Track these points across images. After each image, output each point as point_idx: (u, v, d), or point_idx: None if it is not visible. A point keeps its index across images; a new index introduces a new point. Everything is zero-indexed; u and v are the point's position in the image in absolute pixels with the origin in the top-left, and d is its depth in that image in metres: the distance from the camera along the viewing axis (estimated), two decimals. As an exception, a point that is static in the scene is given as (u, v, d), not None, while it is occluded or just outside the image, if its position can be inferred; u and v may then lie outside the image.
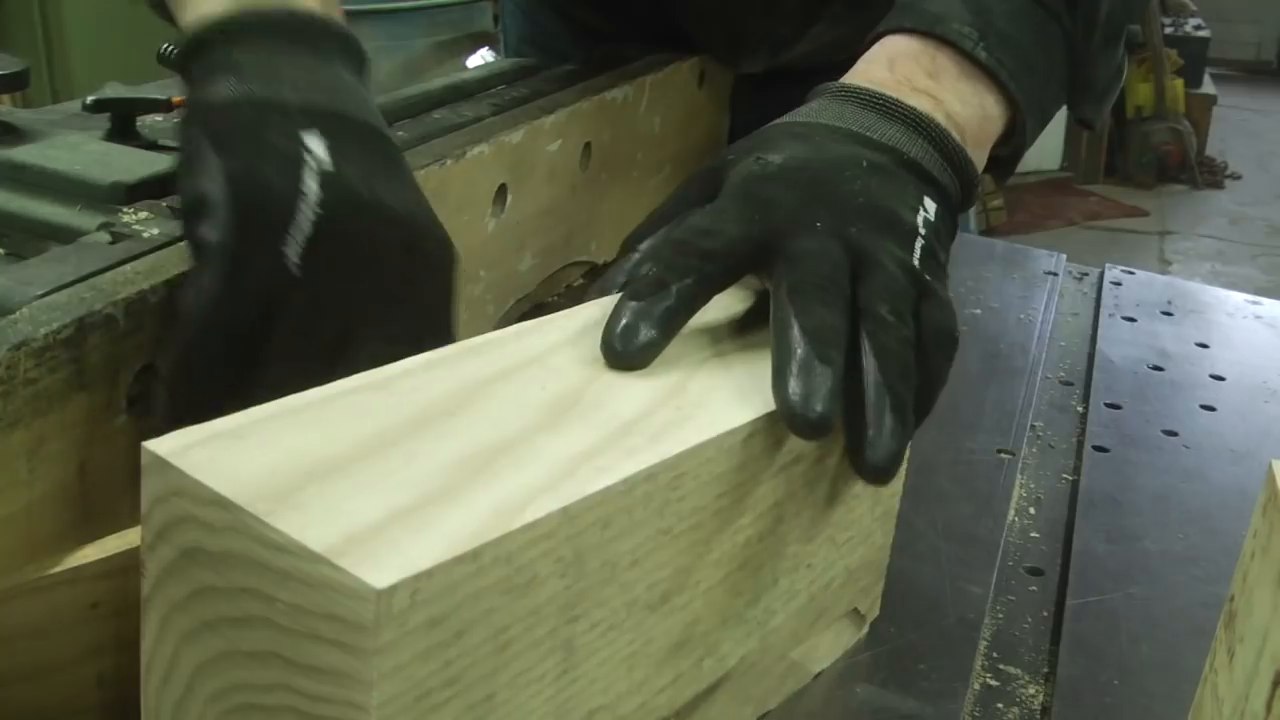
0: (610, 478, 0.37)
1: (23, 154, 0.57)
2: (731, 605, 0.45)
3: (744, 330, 0.49)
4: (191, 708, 0.36)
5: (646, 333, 0.44)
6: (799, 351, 0.44)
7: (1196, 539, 0.63)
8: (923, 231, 0.51)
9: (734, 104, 1.06)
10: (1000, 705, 0.51)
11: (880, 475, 0.45)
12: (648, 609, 0.41)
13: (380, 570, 0.31)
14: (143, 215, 0.52)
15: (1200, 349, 0.87)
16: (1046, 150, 4.33)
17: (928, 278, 0.50)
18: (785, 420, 0.43)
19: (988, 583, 0.57)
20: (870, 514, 0.52)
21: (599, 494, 0.37)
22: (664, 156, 0.98)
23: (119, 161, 0.57)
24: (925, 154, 0.54)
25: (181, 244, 0.50)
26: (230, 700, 0.35)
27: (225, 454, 0.35)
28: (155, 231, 0.51)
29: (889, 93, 0.56)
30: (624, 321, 0.45)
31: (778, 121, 0.56)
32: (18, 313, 0.43)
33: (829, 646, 0.52)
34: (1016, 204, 4.09)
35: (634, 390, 0.43)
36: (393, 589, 0.31)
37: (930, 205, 0.53)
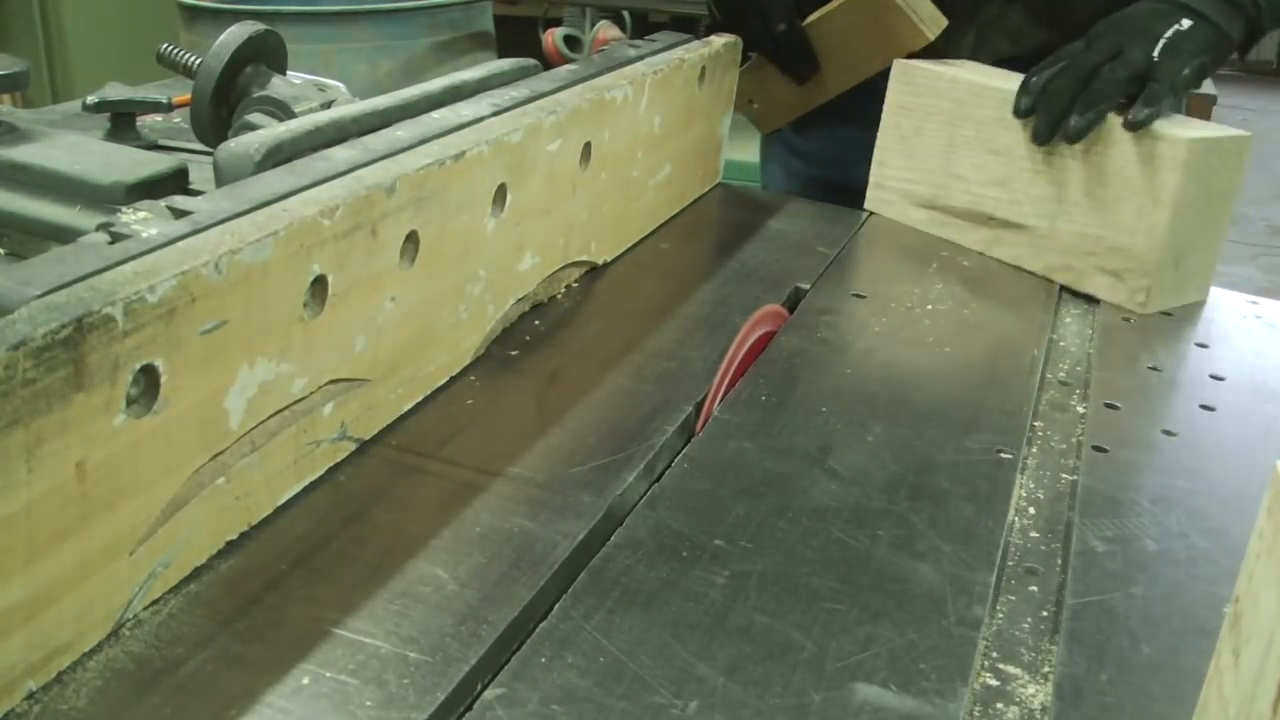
0: None
1: (23, 154, 0.57)
2: None
3: None
4: None
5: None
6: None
7: (1196, 539, 0.63)
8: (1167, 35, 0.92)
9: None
10: (1000, 705, 0.51)
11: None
12: None
13: None
14: (142, 215, 0.52)
15: (1200, 349, 0.87)
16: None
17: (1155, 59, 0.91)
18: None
19: (988, 583, 0.57)
20: None
21: None
22: (664, 156, 0.98)
23: (119, 161, 0.57)
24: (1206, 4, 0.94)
25: (181, 243, 0.50)
26: None
27: None
28: (155, 231, 0.51)
29: None
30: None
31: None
32: (17, 313, 0.43)
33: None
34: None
35: None
36: None
37: (1185, 22, 0.93)
